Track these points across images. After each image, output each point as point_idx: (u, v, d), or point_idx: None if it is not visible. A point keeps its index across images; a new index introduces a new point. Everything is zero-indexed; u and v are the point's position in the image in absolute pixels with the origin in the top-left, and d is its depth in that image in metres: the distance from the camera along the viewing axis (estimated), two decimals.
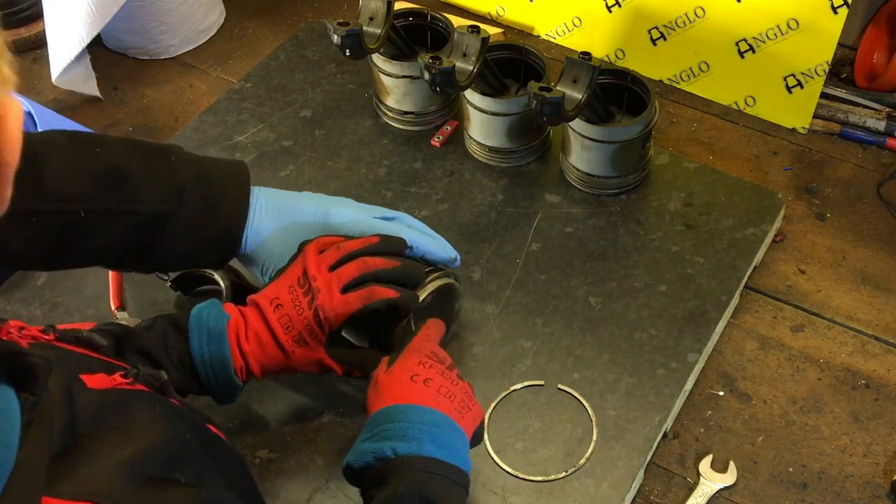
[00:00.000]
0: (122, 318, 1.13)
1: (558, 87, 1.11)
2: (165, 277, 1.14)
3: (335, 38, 1.17)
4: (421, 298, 0.98)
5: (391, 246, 0.97)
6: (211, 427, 0.77)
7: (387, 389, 0.85)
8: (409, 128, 1.36)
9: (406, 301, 0.96)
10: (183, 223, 0.93)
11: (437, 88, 1.15)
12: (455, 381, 0.88)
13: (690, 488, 1.03)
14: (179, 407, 0.74)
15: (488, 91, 1.24)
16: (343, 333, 0.98)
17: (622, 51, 1.48)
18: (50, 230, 0.88)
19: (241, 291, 1.08)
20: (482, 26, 1.16)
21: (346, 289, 0.93)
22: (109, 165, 0.91)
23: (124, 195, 0.91)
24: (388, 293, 0.94)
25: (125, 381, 0.70)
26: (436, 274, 1.01)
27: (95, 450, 0.57)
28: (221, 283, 1.09)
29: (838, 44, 1.33)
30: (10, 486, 0.50)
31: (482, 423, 0.90)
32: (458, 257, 1.04)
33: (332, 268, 0.94)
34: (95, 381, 0.66)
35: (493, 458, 1.02)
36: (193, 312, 0.92)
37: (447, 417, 0.84)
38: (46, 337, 0.73)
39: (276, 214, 0.99)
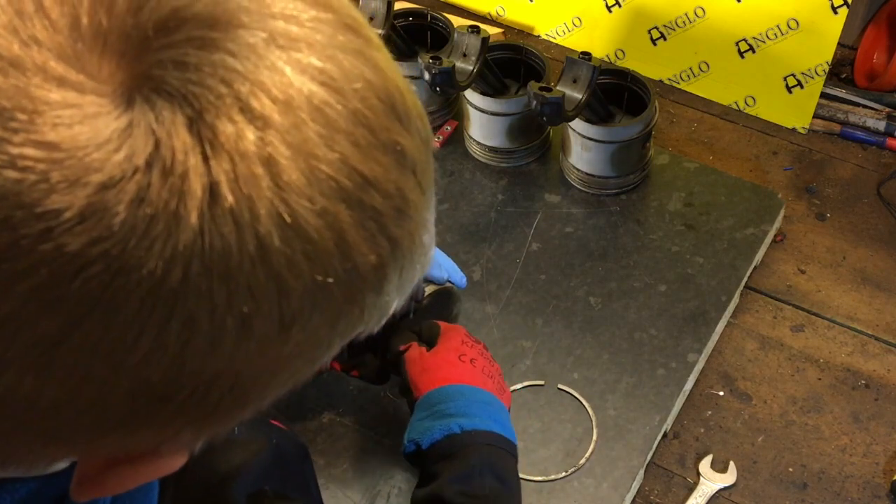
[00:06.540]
0: None
1: (558, 87, 1.11)
2: None
3: None
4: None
5: None
6: (274, 422, 0.77)
7: (436, 369, 0.87)
8: None
9: (403, 308, 0.96)
10: None
11: (437, 88, 1.15)
12: (492, 363, 0.91)
13: (690, 488, 1.03)
14: None
15: (488, 91, 1.24)
16: None
17: (622, 51, 1.48)
18: None
19: None
20: (482, 26, 1.16)
21: None
22: None
23: None
24: None
25: None
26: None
27: (200, 474, 0.58)
28: None
29: (838, 44, 1.33)
30: None
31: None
32: (464, 278, 1.05)
33: None
34: None
35: None
36: None
37: (495, 396, 0.87)
38: None
39: None
